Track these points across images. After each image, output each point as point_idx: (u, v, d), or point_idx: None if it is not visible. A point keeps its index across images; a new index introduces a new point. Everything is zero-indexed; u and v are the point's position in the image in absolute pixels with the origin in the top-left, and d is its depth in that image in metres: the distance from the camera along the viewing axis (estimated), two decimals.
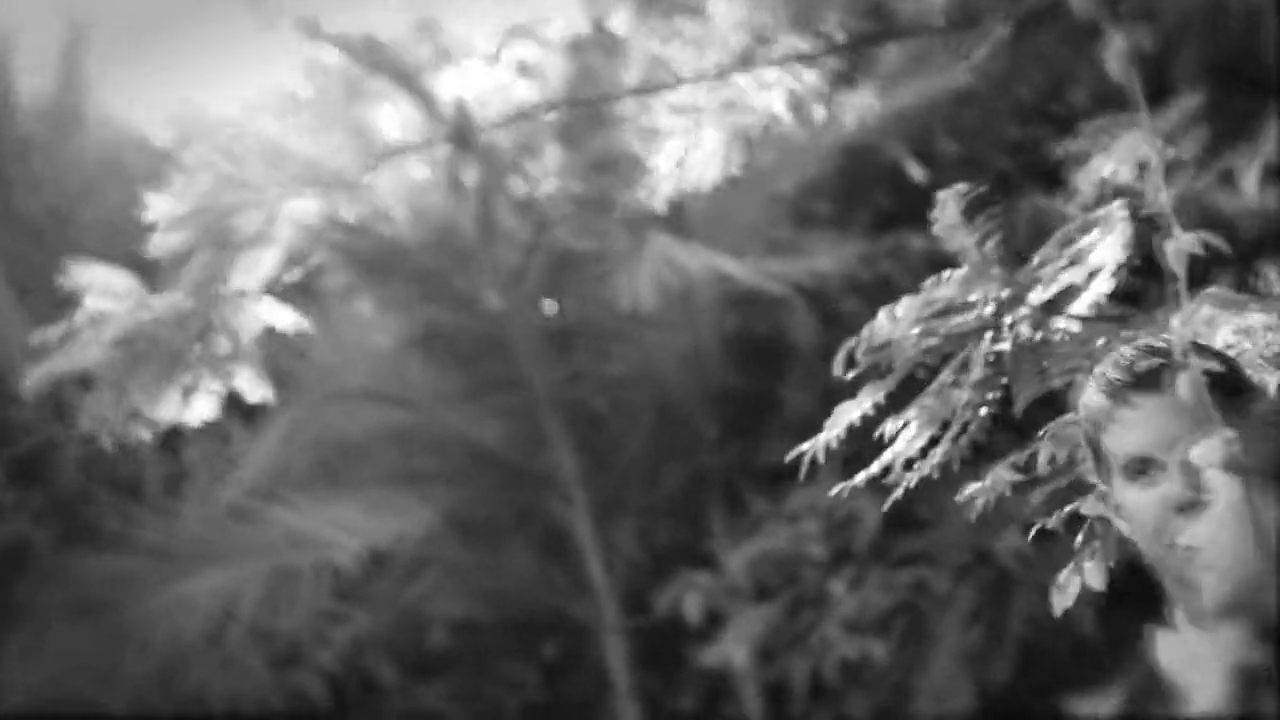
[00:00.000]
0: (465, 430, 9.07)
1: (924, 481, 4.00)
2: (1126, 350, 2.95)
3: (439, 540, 9.06)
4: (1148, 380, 2.90)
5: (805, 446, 3.67)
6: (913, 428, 3.31)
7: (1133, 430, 2.89)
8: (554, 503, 9.28)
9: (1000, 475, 3.52)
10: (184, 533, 9.10)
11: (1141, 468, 2.90)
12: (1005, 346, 3.24)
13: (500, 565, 9.33)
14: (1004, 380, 3.25)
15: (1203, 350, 2.99)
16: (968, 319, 3.40)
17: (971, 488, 3.46)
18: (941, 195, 3.50)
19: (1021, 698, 7.75)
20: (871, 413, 3.59)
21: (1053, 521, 3.40)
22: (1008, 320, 3.25)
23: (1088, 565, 3.50)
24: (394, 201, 8.30)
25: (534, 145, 8.48)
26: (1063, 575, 3.50)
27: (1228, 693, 2.68)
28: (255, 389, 4.69)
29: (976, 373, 3.22)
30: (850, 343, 3.51)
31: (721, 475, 9.33)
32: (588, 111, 7.72)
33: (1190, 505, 2.83)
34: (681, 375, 8.97)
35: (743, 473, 9.26)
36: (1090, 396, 2.98)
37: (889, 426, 3.37)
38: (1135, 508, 2.93)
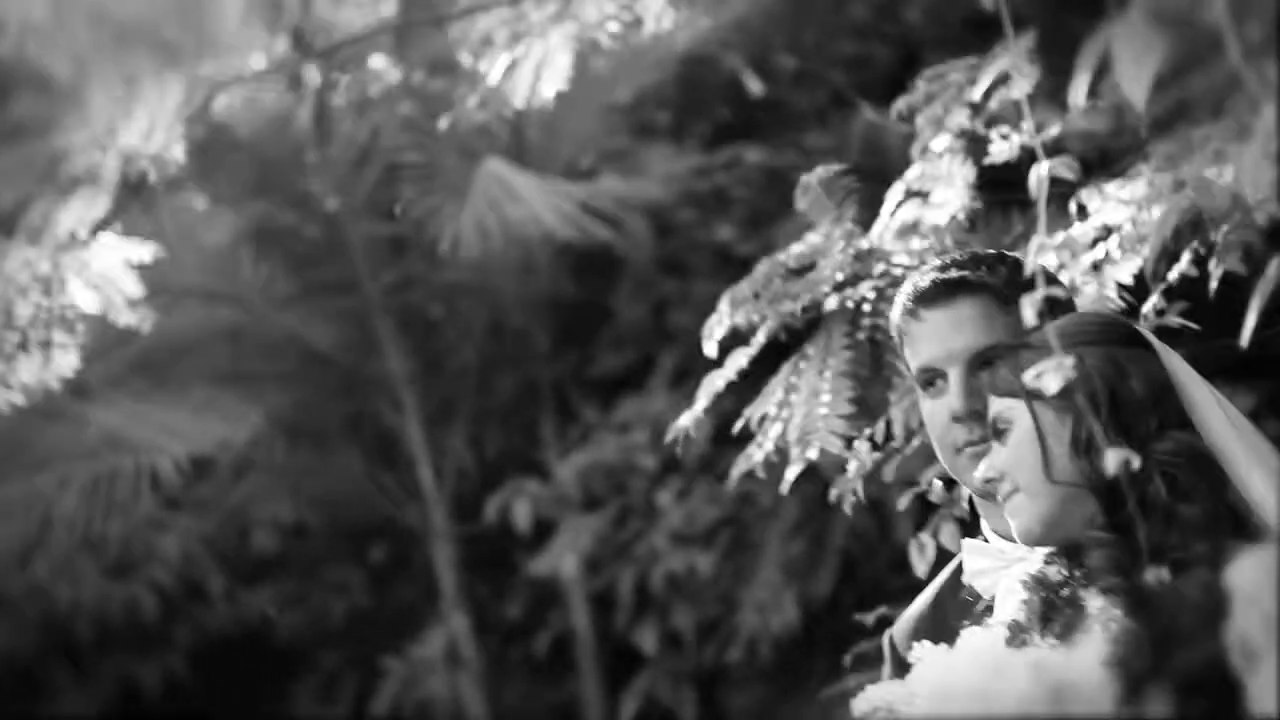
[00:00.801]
0: (297, 332, 8.99)
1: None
2: (925, 271, 3.02)
3: (267, 443, 8.97)
4: (938, 297, 2.96)
5: (683, 423, 3.80)
6: (773, 405, 3.40)
7: (922, 344, 2.97)
8: (385, 408, 9.24)
9: (861, 448, 3.60)
10: None
11: (930, 379, 2.98)
12: (880, 282, 3.31)
13: (329, 470, 9.28)
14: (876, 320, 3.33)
15: (1051, 279, 3.06)
16: (823, 283, 3.47)
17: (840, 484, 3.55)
18: (804, 179, 3.57)
19: (842, 609, 7.87)
20: (736, 379, 3.67)
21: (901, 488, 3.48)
22: (863, 288, 3.32)
23: (945, 528, 3.59)
24: (228, 93, 8.14)
25: (369, 55, 8.38)
26: (922, 536, 3.59)
27: (1023, 604, 2.75)
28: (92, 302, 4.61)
29: (838, 359, 3.30)
30: (711, 320, 3.60)
31: (553, 384, 9.34)
32: (422, 21, 7.65)
33: (966, 417, 2.91)
34: (514, 284, 8.95)
35: (574, 382, 9.28)
36: (895, 311, 3.05)
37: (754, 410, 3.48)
38: (928, 417, 3.00)
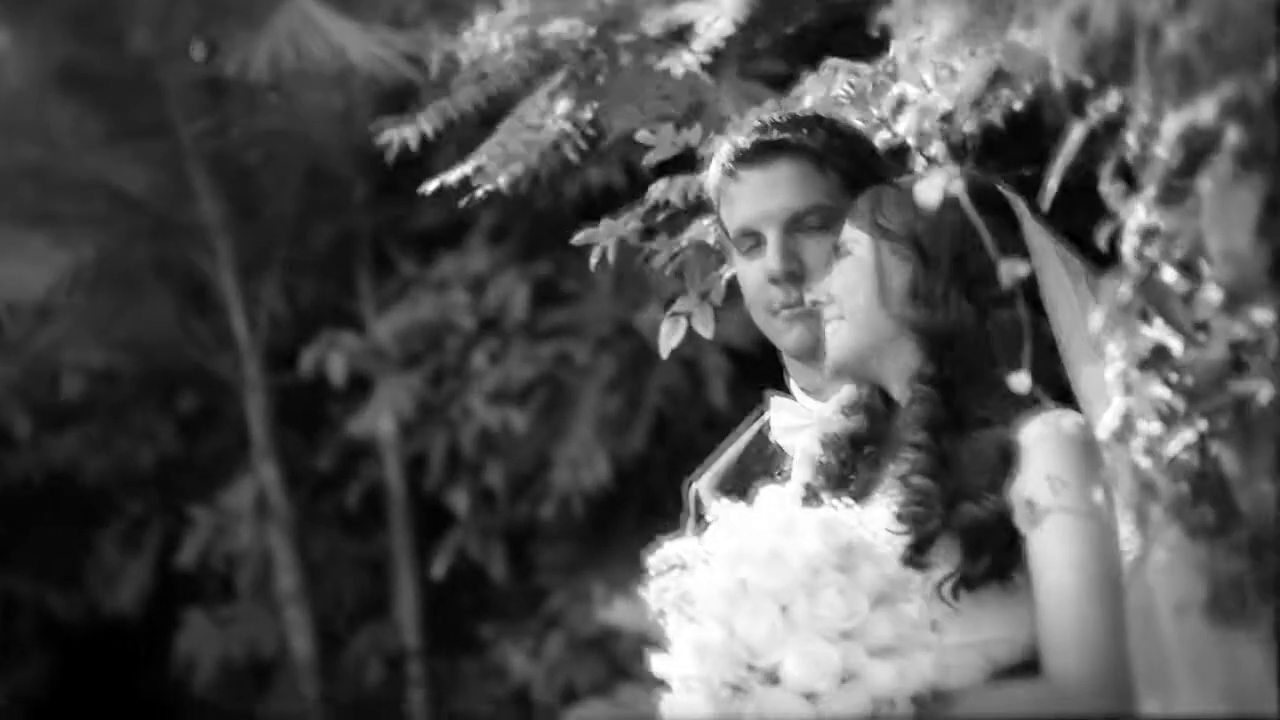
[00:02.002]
0: (108, 175, 8.79)
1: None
2: (744, 132, 2.99)
3: (76, 286, 8.79)
4: (757, 158, 2.95)
5: (393, 131, 3.65)
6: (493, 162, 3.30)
7: (740, 205, 2.96)
8: (198, 254, 9.10)
9: (616, 223, 3.55)
10: None
11: (747, 240, 2.97)
12: (600, 76, 3.23)
13: (139, 315, 9.13)
14: (595, 107, 3.24)
15: (867, 142, 3.05)
16: (565, 34, 3.36)
17: (588, 232, 3.48)
18: None
19: (654, 467, 7.95)
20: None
21: (662, 259, 3.44)
22: (613, 41, 3.23)
23: (696, 311, 3.55)
24: None
25: None
26: (666, 322, 3.53)
27: (820, 463, 2.78)
28: None
29: (565, 104, 3.20)
30: (446, 47, 3.44)
31: (371, 237, 9.25)
32: None
33: (783, 278, 2.91)
34: (333, 133, 8.81)
35: (393, 235, 9.19)
36: (712, 172, 3.02)
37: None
38: (742, 278, 3.00)
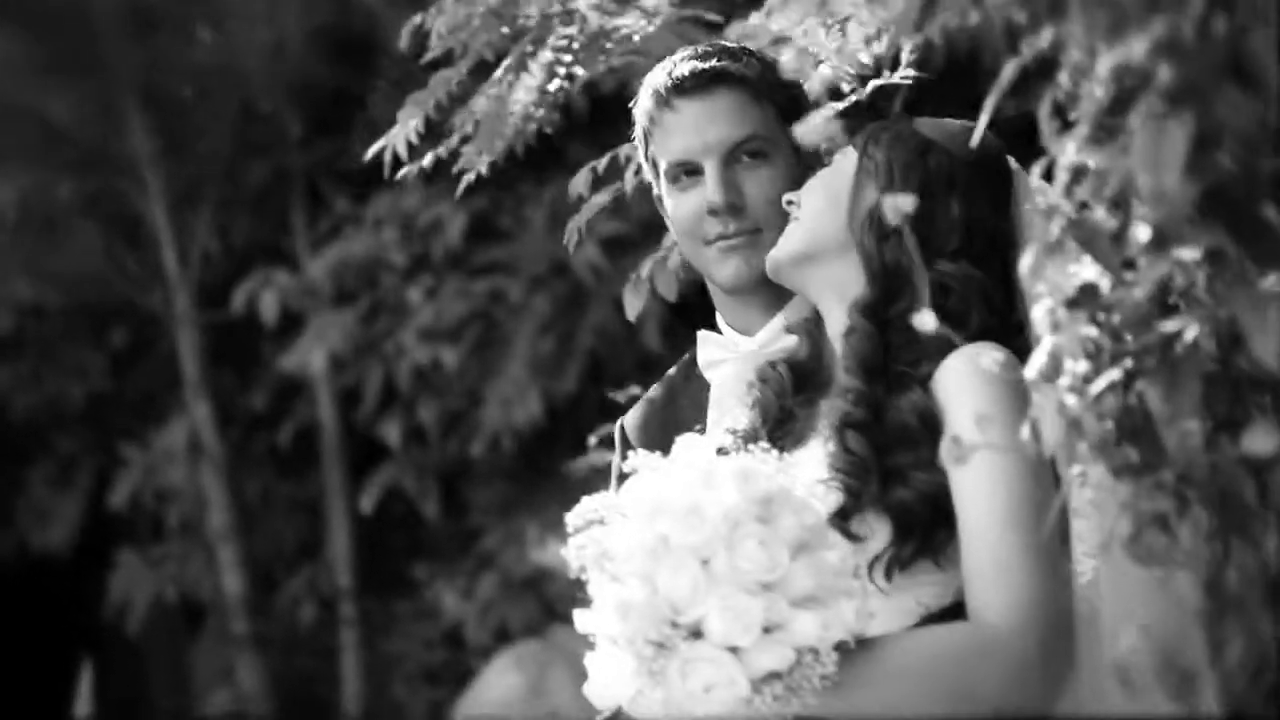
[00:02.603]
0: (37, 106, 8.68)
1: (506, 193, 4.03)
2: (680, 61, 2.96)
3: (3, 219, 8.70)
4: (696, 87, 2.92)
5: (382, 142, 3.60)
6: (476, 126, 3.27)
7: (676, 136, 2.92)
8: (130, 189, 9.01)
9: (578, 180, 3.53)
10: None
11: (682, 172, 2.94)
12: (573, 31, 3.19)
13: (68, 249, 9.04)
14: (572, 68, 3.21)
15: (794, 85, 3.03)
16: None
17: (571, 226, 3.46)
18: None
19: (586, 407, 7.94)
20: (445, 102, 3.51)
21: (602, 199, 3.43)
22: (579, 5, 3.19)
23: (659, 275, 3.56)
24: None
25: None
26: (633, 281, 3.54)
27: (748, 408, 2.76)
28: None
29: (538, 69, 3.17)
30: (415, 20, 3.41)
31: (305, 174, 9.18)
32: None
33: (723, 210, 2.89)
34: (267, 68, 8.73)
35: (327, 173, 9.13)
36: (644, 103, 2.99)
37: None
38: (676, 211, 2.97)
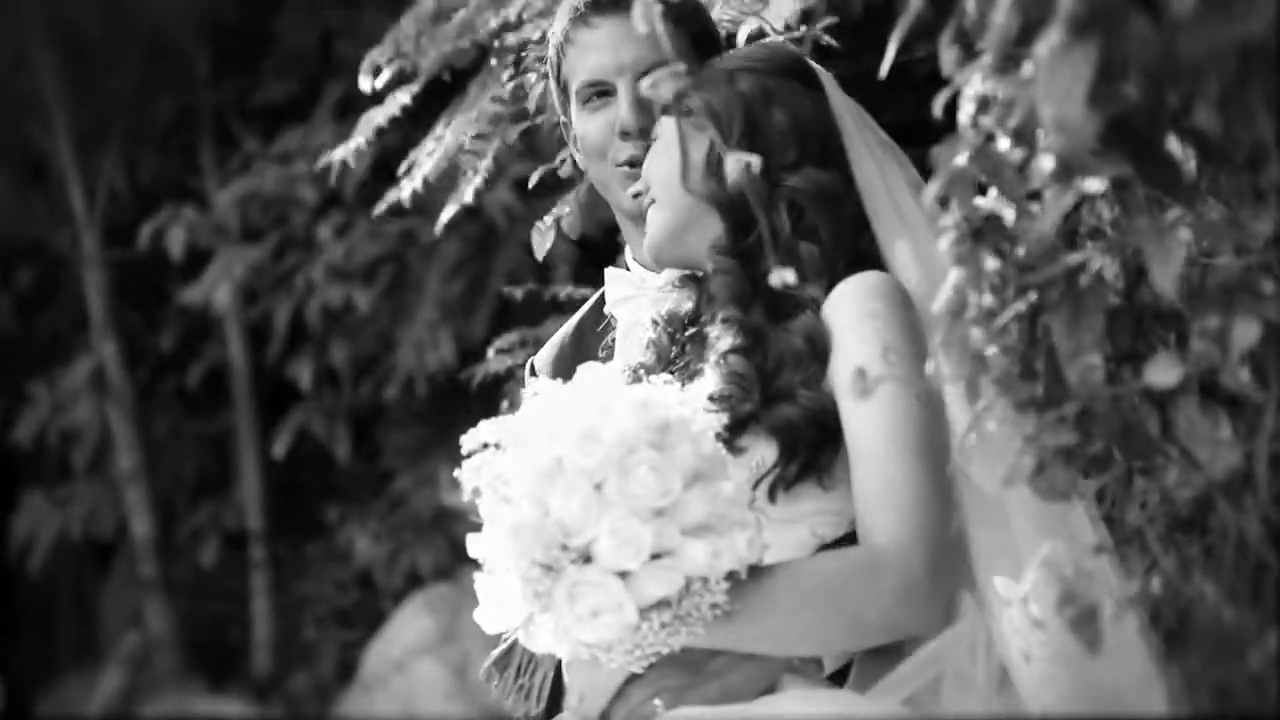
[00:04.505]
0: None
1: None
2: None
3: None
4: (615, 6, 2.89)
5: (339, 154, 3.66)
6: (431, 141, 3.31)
7: (591, 55, 2.90)
8: (34, 128, 8.88)
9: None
10: None
11: (595, 92, 2.92)
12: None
13: None
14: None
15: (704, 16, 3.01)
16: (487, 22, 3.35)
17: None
18: None
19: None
20: (402, 117, 3.56)
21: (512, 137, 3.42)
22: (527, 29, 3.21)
23: (565, 214, 3.56)
24: None
25: None
26: (544, 221, 3.55)
27: (650, 341, 2.75)
28: None
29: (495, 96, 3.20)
30: (374, 51, 3.45)
31: (214, 111, 9.06)
32: None
33: (635, 132, 2.87)
34: (174, 4, 8.59)
35: (236, 110, 9.01)
36: (560, 21, 2.96)
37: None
38: (585, 133, 2.95)
